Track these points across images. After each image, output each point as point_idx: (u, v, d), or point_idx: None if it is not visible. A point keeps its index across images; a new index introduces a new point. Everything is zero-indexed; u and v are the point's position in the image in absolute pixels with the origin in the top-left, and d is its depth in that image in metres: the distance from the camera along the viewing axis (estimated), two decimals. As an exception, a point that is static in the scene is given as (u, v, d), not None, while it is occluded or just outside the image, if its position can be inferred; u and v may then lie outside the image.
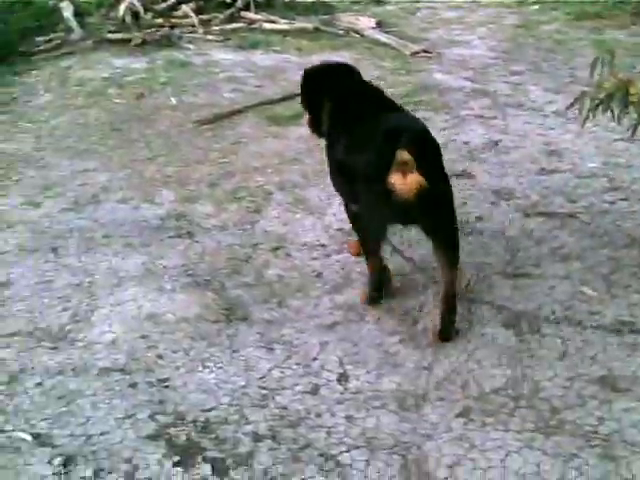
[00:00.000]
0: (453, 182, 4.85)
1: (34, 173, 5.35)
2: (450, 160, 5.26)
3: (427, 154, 3.21)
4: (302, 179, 5.16)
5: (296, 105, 6.25)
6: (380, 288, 3.86)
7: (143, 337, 3.57)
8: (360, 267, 4.08)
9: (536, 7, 10.26)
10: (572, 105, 4.16)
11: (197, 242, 4.42)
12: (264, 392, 3.21)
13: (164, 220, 4.67)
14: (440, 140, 5.52)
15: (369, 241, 3.72)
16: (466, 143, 5.75)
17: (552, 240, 4.36)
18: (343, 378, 3.30)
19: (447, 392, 3.20)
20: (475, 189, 5.00)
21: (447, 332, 3.53)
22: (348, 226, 4.37)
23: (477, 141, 5.78)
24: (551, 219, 4.60)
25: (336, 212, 4.71)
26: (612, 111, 4.04)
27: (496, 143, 5.74)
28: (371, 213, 3.46)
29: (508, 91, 6.92)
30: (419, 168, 3.04)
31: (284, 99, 6.65)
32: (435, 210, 3.29)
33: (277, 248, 4.36)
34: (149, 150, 5.71)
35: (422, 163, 3.06)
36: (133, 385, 3.26)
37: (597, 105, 4.09)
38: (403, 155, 3.03)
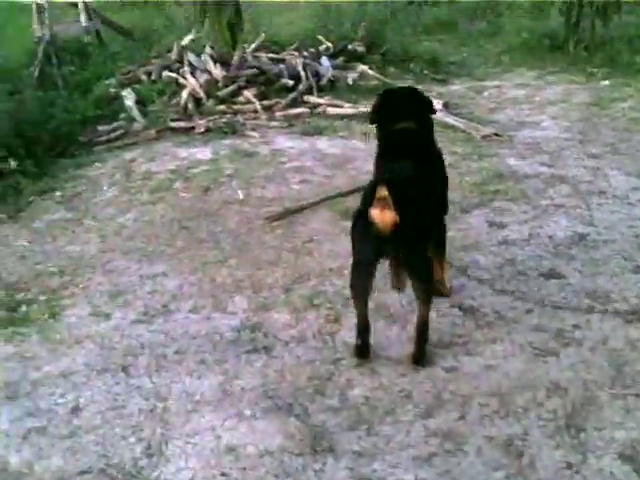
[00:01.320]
0: (541, 282, 4.65)
1: (101, 279, 5.15)
2: (536, 256, 5.03)
3: (405, 194, 3.57)
4: (381, 281, 4.84)
5: (368, 197, 6.07)
6: (364, 338, 4.06)
7: (223, 475, 3.30)
8: (453, 386, 3.77)
9: (607, 82, 9.97)
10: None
11: (275, 357, 4.14)
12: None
13: (239, 332, 4.41)
14: (524, 233, 5.39)
15: (356, 280, 3.96)
16: (550, 237, 5.43)
17: (661, 354, 3.99)
18: (446, 524, 2.95)
19: None
20: (567, 291, 4.66)
21: (419, 356, 3.99)
22: (434, 338, 4.10)
23: (562, 234, 5.45)
24: (657, 328, 4.23)
25: (421, 320, 4.40)
26: None
27: (583, 237, 5.39)
28: (358, 246, 3.88)
29: (587, 177, 6.59)
30: (396, 205, 3.47)
31: (354, 191, 6.38)
32: (407, 245, 3.68)
33: (361, 364, 4.05)
34: (219, 251, 5.48)
35: (399, 201, 3.48)
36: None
37: None
38: (381, 191, 3.47)
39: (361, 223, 3.73)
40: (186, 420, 3.65)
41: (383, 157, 4.33)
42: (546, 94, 9.85)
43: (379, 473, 3.27)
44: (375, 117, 4.44)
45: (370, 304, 4.36)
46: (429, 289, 3.99)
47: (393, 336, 4.32)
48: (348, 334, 4.30)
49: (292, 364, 4.07)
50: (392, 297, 4.64)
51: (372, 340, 4.15)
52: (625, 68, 10.60)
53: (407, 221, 3.54)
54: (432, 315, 4.18)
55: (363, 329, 4.08)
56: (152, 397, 3.84)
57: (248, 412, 3.68)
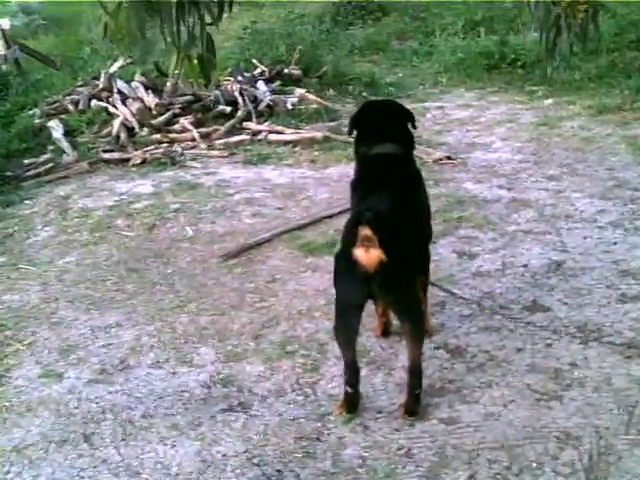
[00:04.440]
0: (527, 316, 4.36)
1: (48, 333, 4.67)
2: (515, 288, 4.75)
3: (389, 230, 3.38)
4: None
5: (328, 230, 5.72)
6: (354, 385, 3.71)
7: None
8: (455, 440, 3.43)
9: (550, 101, 9.87)
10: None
11: (255, 416, 3.74)
12: None
13: (210, 388, 4.00)
14: (497, 263, 5.11)
15: (341, 324, 3.69)
16: (525, 266, 5.16)
17: (672, 391, 3.72)
18: None
19: None
20: (555, 326, 4.37)
21: (414, 407, 3.65)
22: (424, 383, 3.76)
23: (537, 263, 5.20)
24: (658, 361, 3.97)
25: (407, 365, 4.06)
26: None
27: (558, 265, 5.14)
28: (343, 288, 3.61)
29: (550, 200, 6.38)
30: (381, 244, 3.29)
31: (312, 223, 6.06)
32: (395, 284, 3.47)
33: (350, 419, 3.68)
34: (175, 295, 5.05)
35: (384, 240, 3.30)
36: None
37: None
38: (365, 231, 3.29)
39: (344, 264, 3.50)
40: (166, 499, 3.21)
41: (361, 185, 4.03)
42: (491, 114, 9.70)
43: None
44: (352, 130, 4.20)
45: None
46: (420, 330, 3.74)
47: (379, 384, 3.97)
48: (330, 384, 3.95)
49: (275, 423, 3.68)
50: (371, 340, 4.31)
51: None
52: (564, 85, 10.53)
53: (394, 258, 3.34)
54: (403, 358, 3.97)
55: (353, 376, 3.72)
56: (122, 472, 3.39)
57: (235, 484, 3.26)
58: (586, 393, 3.77)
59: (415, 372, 3.68)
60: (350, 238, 3.41)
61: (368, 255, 3.32)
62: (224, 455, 3.46)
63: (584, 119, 8.95)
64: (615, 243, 5.47)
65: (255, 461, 3.42)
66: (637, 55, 11.15)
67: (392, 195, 3.75)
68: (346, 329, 3.68)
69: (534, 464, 3.31)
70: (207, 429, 3.66)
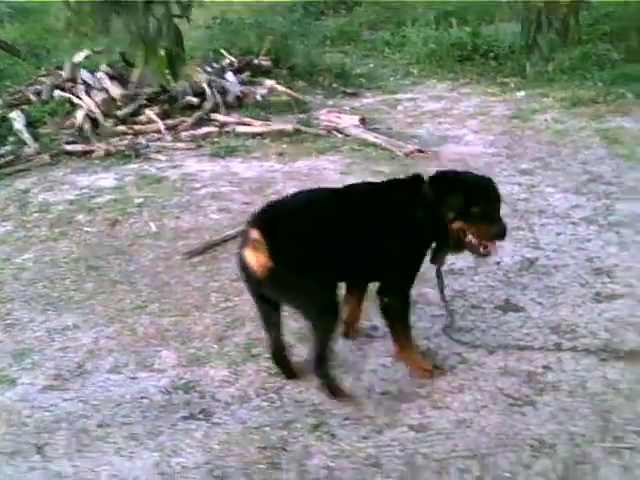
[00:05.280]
0: (499, 317, 4.23)
1: (2, 335, 4.48)
2: (488, 287, 4.63)
3: (280, 238, 3.36)
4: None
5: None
6: (279, 360, 3.85)
7: None
8: (425, 448, 3.29)
9: (522, 93, 9.76)
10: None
11: (217, 424, 3.58)
12: None
13: (170, 394, 3.82)
14: (469, 260, 4.97)
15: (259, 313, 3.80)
16: (498, 264, 5.02)
17: (648, 395, 3.61)
18: None
19: None
20: (529, 327, 4.27)
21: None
22: (393, 388, 3.60)
23: (509, 260, 5.07)
24: (633, 364, 3.86)
25: (375, 368, 3.93)
26: None
27: (531, 262, 5.01)
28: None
29: (523, 195, 6.26)
30: (270, 248, 3.30)
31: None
32: (283, 289, 3.50)
33: (317, 426, 3.52)
34: (136, 294, 4.86)
35: (273, 245, 3.30)
36: None
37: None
38: (252, 234, 3.34)
39: (239, 263, 3.55)
40: (120, 515, 3.03)
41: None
42: (463, 106, 9.57)
43: None
44: None
45: None
46: (318, 326, 3.60)
47: (347, 388, 3.79)
48: (296, 389, 3.79)
49: (238, 432, 3.51)
50: (339, 344, 4.14)
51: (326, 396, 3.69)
52: (537, 77, 10.44)
53: (281, 265, 3.35)
54: (388, 363, 3.91)
55: (275, 354, 3.87)
56: (76, 486, 3.20)
57: (194, 500, 3.09)
58: (560, 398, 3.65)
59: (315, 361, 3.66)
60: (242, 238, 3.50)
61: (256, 259, 3.35)
62: (184, 467, 3.30)
63: (557, 112, 8.84)
64: (589, 240, 5.36)
65: (216, 473, 3.27)
66: (610, 47, 11.07)
67: (312, 205, 3.69)
68: (263, 318, 3.79)
69: (507, 474, 3.18)
70: (167, 439, 3.49)
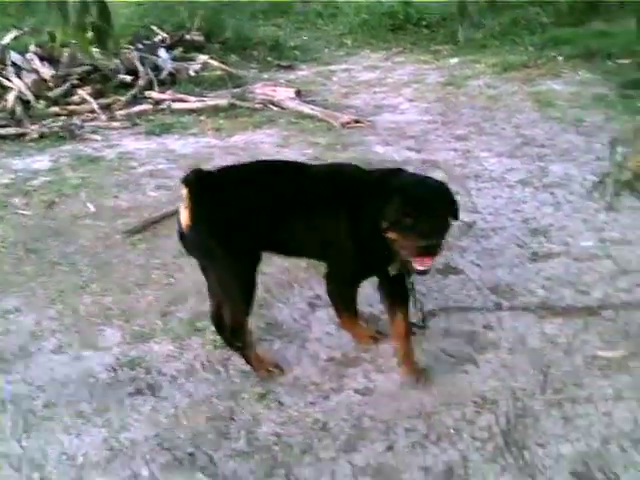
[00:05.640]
0: (440, 280, 4.31)
1: (-58, 321, 4.39)
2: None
3: (201, 198, 3.38)
4: (266, 294, 4.39)
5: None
6: (218, 328, 3.80)
7: None
8: (371, 410, 3.35)
9: (455, 60, 9.85)
10: (596, 188, 3.58)
11: (164, 399, 3.58)
12: None
13: (116, 371, 3.81)
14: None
15: None
16: (437, 228, 5.06)
17: (583, 348, 3.74)
18: None
19: None
20: (469, 288, 4.35)
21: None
22: (338, 354, 3.65)
23: (448, 225, 5.11)
24: (570, 319, 3.98)
25: (320, 336, 3.98)
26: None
27: (469, 226, 5.09)
28: None
29: (459, 160, 6.36)
30: (194, 207, 3.36)
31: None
32: (197, 249, 3.55)
33: (264, 395, 3.56)
34: (77, 275, 4.82)
35: (194, 204, 3.36)
36: None
37: (622, 187, 3.51)
38: (182, 190, 3.39)
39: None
40: (72, 491, 3.04)
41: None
42: (397, 75, 9.63)
43: (310, 529, 2.78)
44: None
45: (259, 322, 4.00)
46: (230, 295, 3.61)
47: (292, 357, 3.86)
48: (242, 360, 3.79)
49: (185, 404, 3.53)
50: (283, 313, 4.18)
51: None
52: (468, 44, 10.53)
53: (197, 225, 3.40)
54: (332, 330, 3.98)
55: (213, 318, 3.84)
56: (25, 466, 3.20)
57: (145, 472, 3.13)
58: (501, 355, 3.75)
59: (232, 330, 3.68)
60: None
61: (183, 216, 3.42)
62: (132, 441, 3.31)
63: (489, 77, 8.96)
64: (525, 202, 5.47)
65: (166, 445, 3.28)
66: (540, 11, 11.20)
67: (251, 173, 3.66)
68: (207, 282, 3.76)
69: (452, 430, 3.26)
70: (114, 415, 3.49)
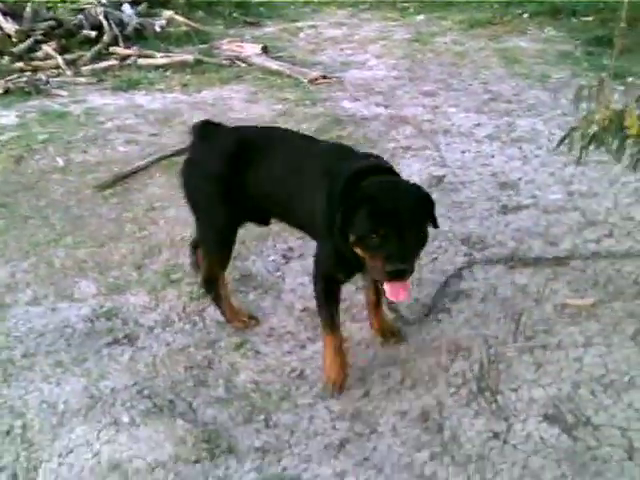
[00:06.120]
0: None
1: None
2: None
3: (202, 143, 3.50)
4: (240, 246, 4.41)
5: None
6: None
7: (112, 499, 2.76)
8: (348, 358, 3.41)
9: (422, 17, 9.86)
10: (562, 141, 3.64)
11: (142, 348, 3.62)
12: None
13: (92, 322, 3.84)
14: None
15: None
16: (407, 182, 5.12)
17: (552, 296, 3.83)
18: (386, 523, 2.61)
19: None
20: (440, 240, 4.40)
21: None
22: (313, 305, 3.68)
23: (417, 179, 5.18)
24: (540, 269, 4.07)
25: (294, 287, 4.03)
26: (607, 146, 3.52)
27: (440, 180, 5.16)
28: None
29: (427, 116, 6.41)
30: (188, 159, 3.58)
31: (186, 149, 5.85)
32: (189, 200, 3.61)
33: (241, 344, 3.61)
34: (49, 228, 4.82)
35: (194, 148, 3.57)
36: None
37: (590, 141, 3.57)
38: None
39: None
40: (54, 437, 3.09)
41: None
42: (364, 32, 9.63)
43: (290, 471, 2.88)
44: None
45: (234, 274, 4.05)
46: (203, 245, 3.73)
47: (268, 308, 3.92)
48: (217, 311, 3.83)
49: (163, 354, 3.58)
50: (257, 265, 4.22)
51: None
52: (435, 1, 10.56)
53: (193, 179, 3.58)
54: (306, 282, 3.97)
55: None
56: (6, 414, 3.23)
57: (125, 418, 3.16)
58: (473, 305, 3.81)
59: (205, 281, 3.70)
60: None
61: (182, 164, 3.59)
62: (112, 389, 3.34)
63: (456, 34, 9.00)
64: (493, 156, 5.54)
65: (145, 393, 3.32)
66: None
67: (256, 135, 3.57)
68: None
69: (426, 377, 3.32)
70: (93, 364, 3.52)
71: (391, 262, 2.71)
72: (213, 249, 3.62)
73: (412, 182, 3.05)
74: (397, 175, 3.12)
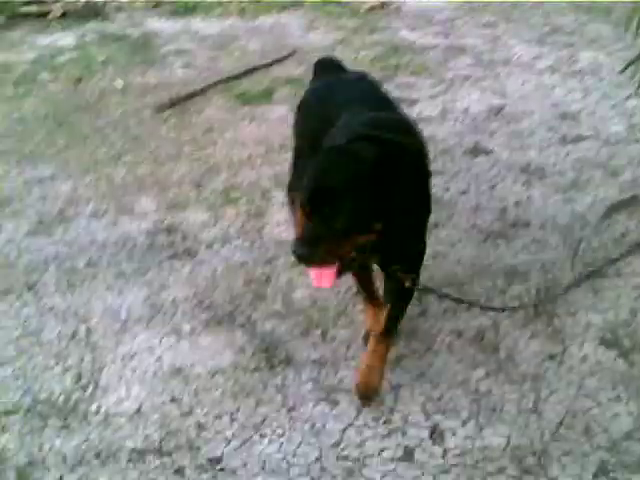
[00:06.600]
0: (469, 160, 4.35)
1: (-21, 187, 4.48)
2: (457, 133, 4.68)
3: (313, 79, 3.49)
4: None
5: (263, 79, 5.57)
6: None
7: (174, 401, 2.87)
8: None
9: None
10: (628, 66, 3.58)
11: (202, 262, 3.68)
12: (347, 464, 2.53)
13: (153, 236, 3.90)
14: (437, 109, 5.06)
15: None
16: (466, 111, 5.11)
17: (614, 227, 3.78)
18: (437, 435, 2.66)
19: (570, 443, 2.58)
20: (499, 168, 4.38)
21: None
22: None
23: (477, 108, 5.17)
24: (602, 201, 4.01)
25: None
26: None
27: (499, 109, 5.11)
28: None
29: (487, 46, 6.31)
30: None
31: (247, 73, 5.88)
32: None
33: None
34: (109, 147, 4.88)
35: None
36: (179, 471, 2.54)
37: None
38: None
39: None
40: (117, 342, 3.18)
41: None
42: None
43: (347, 382, 2.92)
44: None
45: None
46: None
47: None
48: (276, 229, 3.90)
49: (222, 268, 3.64)
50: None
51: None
52: None
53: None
54: None
55: None
56: (70, 318, 3.33)
57: (187, 327, 3.24)
58: (532, 231, 3.80)
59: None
60: None
61: None
62: (173, 300, 3.42)
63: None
64: (553, 87, 5.45)
65: (205, 304, 3.39)
66: None
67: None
68: None
69: (483, 299, 3.33)
70: (154, 276, 3.60)
71: (294, 244, 2.34)
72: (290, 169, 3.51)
73: (397, 148, 2.44)
74: (414, 135, 2.76)
